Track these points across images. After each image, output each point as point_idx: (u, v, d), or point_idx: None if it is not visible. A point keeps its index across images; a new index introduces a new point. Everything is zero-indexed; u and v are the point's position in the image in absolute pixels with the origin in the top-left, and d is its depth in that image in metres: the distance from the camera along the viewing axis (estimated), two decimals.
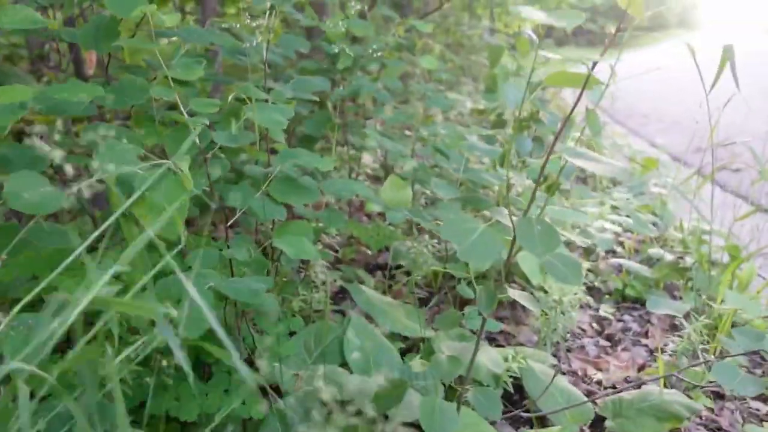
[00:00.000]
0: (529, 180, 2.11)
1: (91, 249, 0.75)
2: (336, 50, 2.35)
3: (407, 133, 3.03)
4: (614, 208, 3.43)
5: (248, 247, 1.28)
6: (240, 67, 2.79)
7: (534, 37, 2.61)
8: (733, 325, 1.79)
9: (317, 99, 1.79)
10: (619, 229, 2.82)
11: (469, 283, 2.01)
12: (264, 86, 1.50)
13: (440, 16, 9.67)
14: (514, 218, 1.05)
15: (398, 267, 2.27)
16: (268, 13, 1.52)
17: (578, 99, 1.23)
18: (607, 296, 2.39)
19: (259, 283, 1.08)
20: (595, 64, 0.96)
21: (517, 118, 2.73)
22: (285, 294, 1.62)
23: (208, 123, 1.32)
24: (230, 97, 1.35)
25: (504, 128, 2.68)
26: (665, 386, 1.55)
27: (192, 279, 1.00)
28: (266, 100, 1.48)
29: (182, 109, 1.19)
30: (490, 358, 1.51)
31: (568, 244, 2.70)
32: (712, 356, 1.59)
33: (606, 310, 2.21)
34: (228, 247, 1.26)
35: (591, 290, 2.44)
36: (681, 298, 2.23)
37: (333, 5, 2.91)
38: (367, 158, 3.17)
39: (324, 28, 2.22)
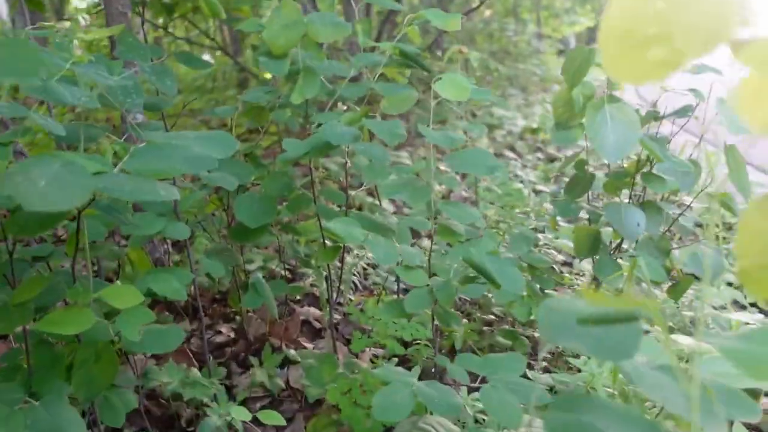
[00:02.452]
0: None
1: None
2: (286, 69, 1.32)
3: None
4: None
5: None
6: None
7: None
8: None
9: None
10: None
11: None
12: None
13: (482, 21, 8.60)
14: None
15: None
16: None
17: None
18: None
19: None
20: None
21: (615, 172, 1.63)
22: None
23: None
24: None
25: (588, 189, 1.58)
26: None
27: None
28: None
29: None
30: None
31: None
32: None
33: None
34: None
35: None
36: None
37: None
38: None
39: (247, 28, 1.19)
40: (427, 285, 1.16)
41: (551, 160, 4.28)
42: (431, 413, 1.25)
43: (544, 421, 0.62)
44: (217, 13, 1.24)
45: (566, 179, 3.20)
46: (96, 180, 0.70)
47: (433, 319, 1.23)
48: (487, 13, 8.56)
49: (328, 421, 1.38)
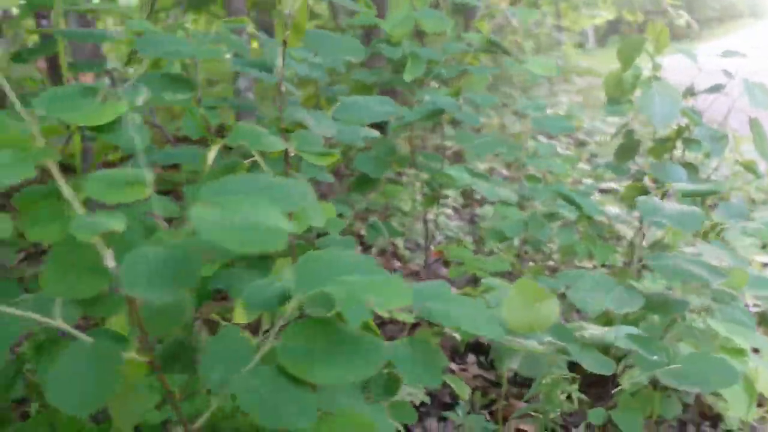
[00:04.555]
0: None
1: None
2: (401, 54, 1.67)
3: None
4: None
5: None
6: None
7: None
8: None
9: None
10: None
11: None
12: (280, 121, 0.83)
13: (503, 17, 8.90)
14: None
15: None
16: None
17: None
18: None
19: None
20: None
21: (660, 138, 1.97)
22: None
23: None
24: (210, 153, 0.68)
25: (635, 154, 1.92)
26: None
27: None
28: (285, 153, 0.81)
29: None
30: None
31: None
32: None
33: None
34: None
35: None
36: None
37: None
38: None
39: (383, 25, 1.54)
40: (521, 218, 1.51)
41: (581, 143, 4.63)
42: None
43: None
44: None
45: (598, 159, 3.59)
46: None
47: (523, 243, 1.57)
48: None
49: (429, 333, 1.74)
